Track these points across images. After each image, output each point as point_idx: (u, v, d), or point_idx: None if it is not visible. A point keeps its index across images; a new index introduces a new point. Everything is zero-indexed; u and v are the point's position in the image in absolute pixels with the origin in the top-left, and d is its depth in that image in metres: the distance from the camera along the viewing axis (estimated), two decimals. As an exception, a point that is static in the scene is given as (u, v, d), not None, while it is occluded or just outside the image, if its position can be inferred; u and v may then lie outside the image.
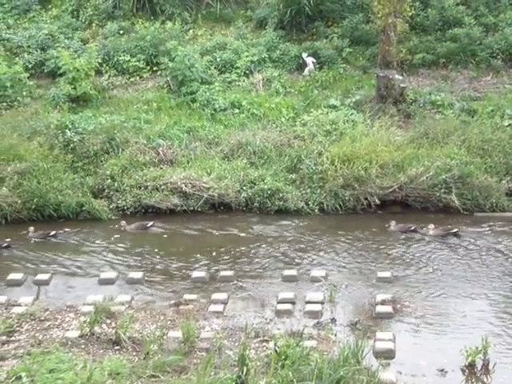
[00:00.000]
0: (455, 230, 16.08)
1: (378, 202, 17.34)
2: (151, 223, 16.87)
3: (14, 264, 15.29)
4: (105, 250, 15.92)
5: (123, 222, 16.84)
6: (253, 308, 13.14)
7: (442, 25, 22.72)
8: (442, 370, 11.05)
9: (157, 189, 17.70)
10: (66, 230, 16.85)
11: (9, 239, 16.27)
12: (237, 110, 20.48)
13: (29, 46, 22.85)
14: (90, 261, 15.43)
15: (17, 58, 22.29)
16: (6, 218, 17.13)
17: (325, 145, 18.33)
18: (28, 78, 21.65)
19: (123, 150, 18.65)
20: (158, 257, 15.48)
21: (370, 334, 11.84)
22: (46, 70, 22.32)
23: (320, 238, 16.20)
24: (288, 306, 12.96)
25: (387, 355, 11.31)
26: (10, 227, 16.90)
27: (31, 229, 16.55)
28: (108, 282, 14.33)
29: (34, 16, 24.52)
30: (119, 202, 17.68)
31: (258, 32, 23.72)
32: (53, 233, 16.48)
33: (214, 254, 15.53)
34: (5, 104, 20.63)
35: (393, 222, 16.45)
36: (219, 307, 13.05)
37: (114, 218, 17.46)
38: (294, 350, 10.41)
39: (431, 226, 16.15)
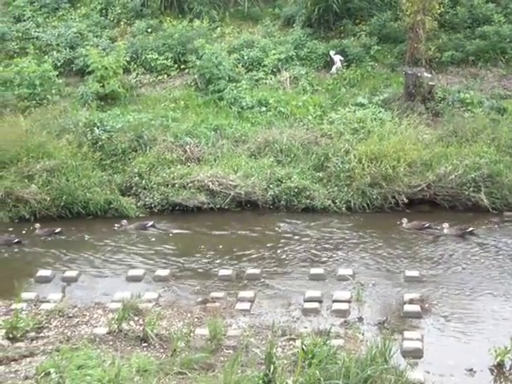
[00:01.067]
0: (470, 229, 15.95)
1: (405, 200, 17.24)
2: (151, 223, 16.89)
3: (40, 261, 15.45)
4: (131, 248, 15.98)
5: (124, 221, 16.89)
6: (279, 306, 13.12)
7: (471, 22, 22.55)
8: (471, 370, 10.98)
9: (184, 187, 17.73)
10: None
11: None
12: (264, 108, 20.47)
13: (58, 45, 23.03)
14: (117, 258, 15.54)
15: (46, 57, 22.50)
16: (35, 215, 17.27)
17: (352, 143, 18.25)
18: (57, 76, 21.79)
19: (151, 147, 18.71)
20: (184, 255, 15.50)
21: (398, 333, 11.78)
22: (74, 69, 22.51)
23: (347, 236, 16.14)
24: (315, 305, 12.93)
25: (415, 354, 11.25)
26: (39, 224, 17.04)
27: (37, 225, 16.68)
28: (135, 279, 14.39)
29: (63, 14, 24.71)
30: (147, 199, 17.75)
31: (286, 30, 23.69)
32: (58, 230, 16.59)
33: (240, 251, 15.52)
34: (34, 102, 20.78)
35: (405, 220, 16.39)
36: (246, 305, 13.06)
37: (141, 215, 17.53)
38: (321, 348, 10.38)
39: (446, 224, 16.06)
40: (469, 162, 17.36)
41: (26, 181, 17.56)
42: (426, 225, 16.28)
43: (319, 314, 12.71)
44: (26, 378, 10.29)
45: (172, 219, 17.34)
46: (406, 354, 11.23)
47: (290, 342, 11.50)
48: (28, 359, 10.92)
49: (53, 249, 15.92)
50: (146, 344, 11.44)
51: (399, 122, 19.02)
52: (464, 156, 17.60)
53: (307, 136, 18.93)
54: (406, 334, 11.79)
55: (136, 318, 12.18)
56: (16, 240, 16.21)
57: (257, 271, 14.45)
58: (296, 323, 12.34)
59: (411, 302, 12.88)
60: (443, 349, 11.56)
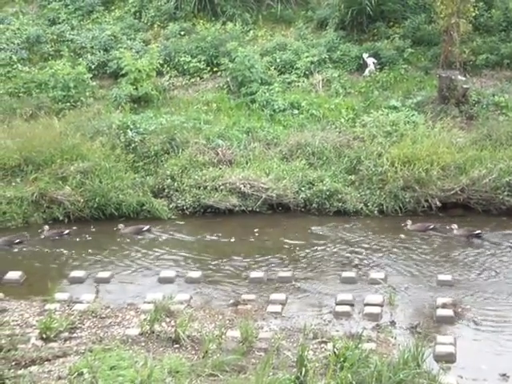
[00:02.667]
0: (478, 232, 15.88)
1: (438, 204, 17.12)
2: (147, 227, 16.90)
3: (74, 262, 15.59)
4: (162, 250, 16.05)
5: (121, 225, 16.92)
6: (311, 309, 13.09)
7: (506, 25, 22.28)
8: (504, 375, 10.85)
9: (216, 189, 17.77)
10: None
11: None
12: (296, 111, 20.44)
13: (92, 47, 23.18)
14: (151, 259, 15.63)
15: (80, 59, 22.65)
16: (69, 217, 17.42)
17: (385, 146, 18.16)
18: (91, 78, 21.93)
19: (183, 150, 18.78)
20: (216, 257, 15.53)
21: (431, 337, 11.68)
22: (108, 71, 22.63)
23: (379, 239, 16.07)
24: (347, 308, 12.88)
25: (448, 359, 11.15)
26: (72, 225, 17.18)
27: (46, 227, 16.79)
28: (167, 280, 14.44)
29: (97, 17, 24.85)
30: (179, 201, 17.82)
31: (319, 32, 23.61)
32: (66, 231, 16.72)
33: (272, 254, 15.52)
34: (68, 104, 20.94)
35: (409, 222, 16.39)
36: (277, 308, 13.03)
37: (173, 217, 17.61)
38: (353, 352, 10.32)
39: (454, 225, 16.05)
40: (503, 166, 17.19)
41: (60, 182, 17.70)
42: (431, 226, 16.28)
43: (351, 318, 12.66)
44: (59, 378, 10.34)
45: (203, 221, 17.39)
46: (439, 358, 11.14)
47: (322, 345, 11.45)
48: (61, 359, 10.97)
49: (83, 250, 16.10)
50: (177, 345, 11.45)
51: (433, 125, 18.87)
52: (498, 160, 17.42)
53: (339, 139, 18.87)
54: (439, 338, 11.70)
55: (168, 320, 12.20)
56: (17, 240, 16.34)
57: (288, 274, 14.43)
58: (327, 326, 12.30)
59: (444, 306, 12.78)
60: (476, 353, 11.47)
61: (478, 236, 15.84)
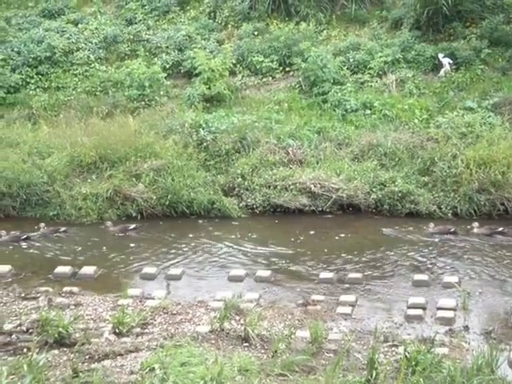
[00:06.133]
0: (501, 229, 15.69)
1: (515, 207, 16.79)
2: (133, 226, 16.96)
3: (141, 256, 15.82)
4: (232, 248, 16.14)
5: (109, 223, 17.04)
6: (381, 312, 12.95)
7: None
8: None
9: (286, 188, 17.78)
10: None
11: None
12: (368, 111, 20.26)
13: (167, 47, 23.45)
14: (221, 257, 15.75)
15: (155, 59, 22.98)
16: (142, 213, 17.67)
17: (460, 147, 17.86)
18: (165, 77, 22.21)
19: (254, 149, 18.83)
20: (285, 256, 15.52)
21: (506, 343, 11.42)
22: (182, 71, 22.88)
23: (452, 242, 15.81)
24: (419, 312, 12.68)
25: (523, 366, 10.89)
26: (145, 222, 17.42)
27: (42, 225, 16.94)
28: (237, 279, 14.49)
29: (172, 17, 25.12)
30: (249, 200, 17.88)
31: (393, 32, 23.35)
32: (63, 229, 16.89)
33: (342, 255, 15.44)
34: (143, 103, 21.27)
35: (431, 225, 16.24)
36: (347, 309, 12.93)
37: (243, 216, 17.68)
38: (425, 356, 10.16)
39: (475, 223, 16.03)
40: None
41: (134, 179, 17.98)
42: (452, 229, 16.14)
43: (423, 321, 12.46)
44: (132, 372, 10.45)
45: (273, 221, 17.41)
46: (514, 365, 10.90)
47: (393, 349, 11.30)
48: (133, 354, 11.09)
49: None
50: (247, 344, 11.45)
51: (510, 127, 18.49)
52: None
53: (413, 140, 18.63)
54: (514, 344, 11.44)
55: (237, 318, 12.24)
56: (24, 236, 16.60)
57: (359, 275, 14.32)
58: (399, 329, 12.13)
59: (520, 312, 12.49)
60: (553, 362, 11.14)
61: (501, 233, 15.77)
